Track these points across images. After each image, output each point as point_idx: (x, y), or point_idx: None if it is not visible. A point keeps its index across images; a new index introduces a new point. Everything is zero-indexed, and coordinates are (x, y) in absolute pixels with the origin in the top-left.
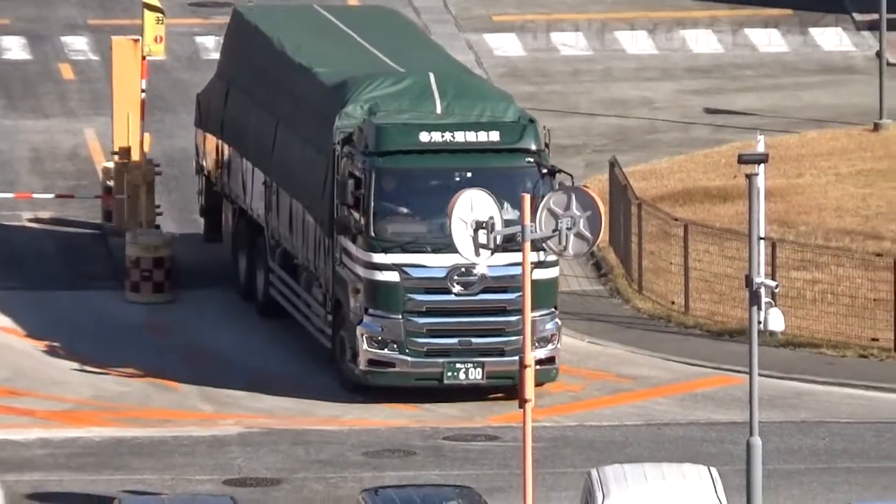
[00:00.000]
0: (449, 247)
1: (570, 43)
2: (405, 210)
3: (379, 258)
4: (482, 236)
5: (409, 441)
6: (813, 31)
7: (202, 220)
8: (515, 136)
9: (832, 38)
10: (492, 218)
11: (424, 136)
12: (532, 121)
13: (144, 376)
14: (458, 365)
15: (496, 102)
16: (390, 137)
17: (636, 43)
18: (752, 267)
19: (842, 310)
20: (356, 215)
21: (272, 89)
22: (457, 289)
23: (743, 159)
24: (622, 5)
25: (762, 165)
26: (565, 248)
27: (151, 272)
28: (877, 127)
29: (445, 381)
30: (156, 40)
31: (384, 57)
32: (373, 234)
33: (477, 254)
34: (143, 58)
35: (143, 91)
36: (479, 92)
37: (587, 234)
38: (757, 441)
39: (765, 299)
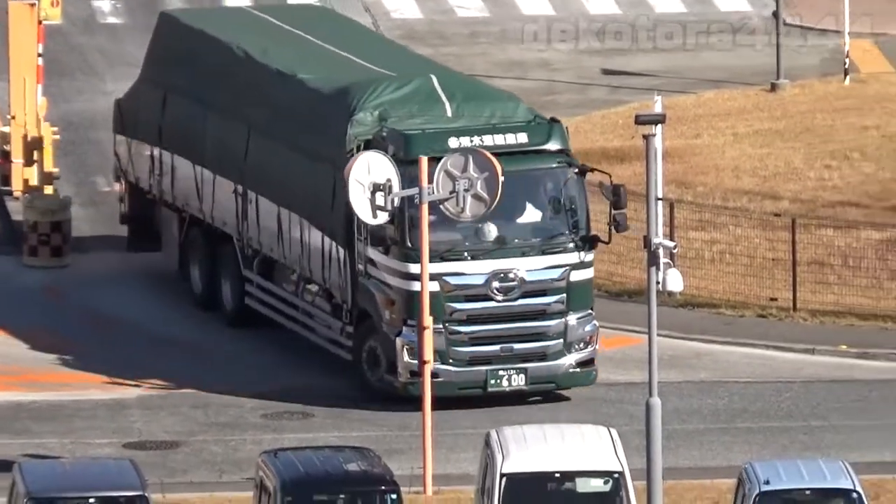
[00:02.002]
0: (488, 253)
1: (467, 5)
2: (445, 217)
3: (417, 268)
4: (379, 198)
5: (308, 403)
6: None
7: (126, 228)
8: (543, 137)
9: (729, 0)
10: (389, 180)
11: (454, 142)
12: (557, 121)
13: (43, 340)
14: (500, 372)
15: (505, 102)
16: (421, 145)
17: (533, 4)
18: (650, 228)
19: (740, 270)
20: (389, 226)
21: (238, 96)
22: (498, 296)
23: (640, 120)
24: None
25: (659, 126)
26: (463, 209)
27: (49, 236)
28: (774, 87)
29: (489, 389)
30: (52, 4)
31: (359, 60)
32: (409, 244)
33: (374, 215)
34: (40, 22)
35: (39, 55)
36: (485, 93)
37: (484, 195)
38: (656, 401)
39: (663, 260)
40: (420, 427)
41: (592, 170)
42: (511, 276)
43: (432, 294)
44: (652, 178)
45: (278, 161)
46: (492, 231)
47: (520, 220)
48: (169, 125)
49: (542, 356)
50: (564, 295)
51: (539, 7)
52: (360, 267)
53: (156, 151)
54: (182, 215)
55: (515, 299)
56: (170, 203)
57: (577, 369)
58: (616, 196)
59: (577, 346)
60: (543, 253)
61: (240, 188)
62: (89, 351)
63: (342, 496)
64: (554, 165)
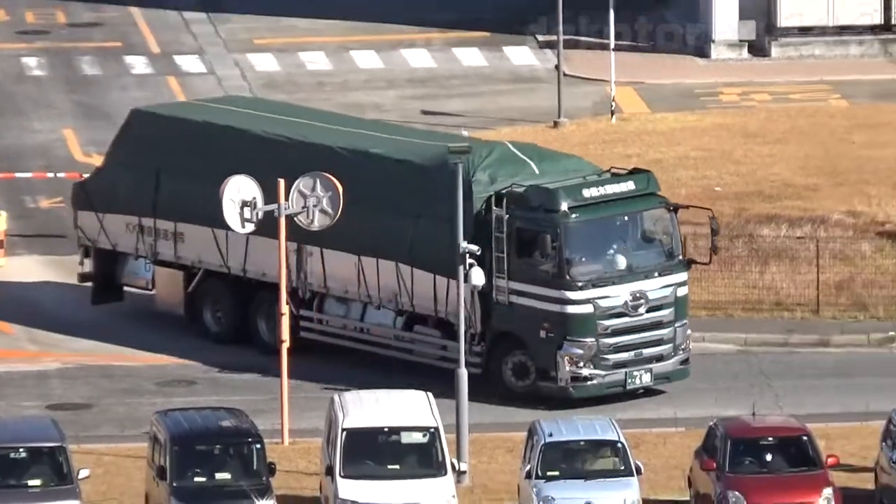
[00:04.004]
0: (622, 279)
1: (315, 60)
2: (592, 252)
3: (576, 295)
4: (247, 212)
5: (192, 374)
6: (506, 49)
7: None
8: (644, 184)
9: (521, 55)
10: (254, 198)
11: (586, 192)
12: (649, 171)
13: None
14: (634, 373)
15: (570, 159)
16: (565, 197)
17: (367, 59)
18: (458, 237)
19: None
20: (542, 261)
21: (286, 173)
22: (632, 312)
23: (452, 150)
24: (356, 30)
25: (466, 155)
26: (312, 221)
27: None
28: (556, 124)
29: (627, 388)
30: None
31: (382, 134)
32: (568, 276)
33: (242, 226)
34: None
35: None
36: (551, 154)
37: (329, 210)
38: (463, 372)
39: (468, 261)
40: (279, 392)
41: (687, 207)
42: (640, 295)
43: (587, 314)
44: (458, 197)
45: (365, 222)
46: (623, 261)
47: (638, 251)
48: (169, 199)
49: (660, 358)
50: (673, 308)
51: (371, 62)
52: (502, 298)
53: (147, 221)
54: (192, 270)
55: (643, 314)
56: (169, 262)
57: (682, 366)
58: (715, 227)
59: (681, 348)
60: (659, 275)
61: (306, 247)
62: (20, 330)
63: (218, 446)
64: (657, 205)
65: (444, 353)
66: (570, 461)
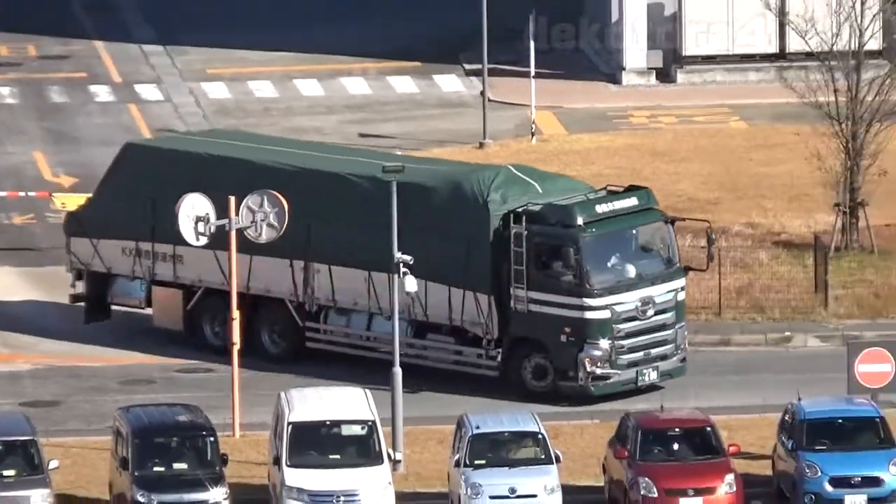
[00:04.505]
0: (633, 286)
1: (262, 88)
2: (606, 263)
3: (595, 302)
4: (201, 226)
5: (151, 374)
6: (435, 77)
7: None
8: (645, 200)
9: (449, 83)
10: (207, 213)
11: (599, 208)
12: (648, 188)
13: None
14: (644, 371)
15: (563, 179)
16: (581, 213)
17: (309, 87)
18: (393, 245)
19: None
20: (562, 273)
21: (295, 197)
22: (643, 316)
23: (386, 169)
24: (299, 61)
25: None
26: (260, 234)
27: None
28: (481, 145)
29: (639, 384)
30: None
31: (365, 159)
32: (588, 285)
33: (196, 239)
34: None
35: None
36: (547, 175)
37: (276, 224)
38: (398, 370)
39: (402, 269)
40: (230, 389)
41: (683, 219)
42: (648, 300)
43: (605, 319)
44: (393, 211)
45: (378, 242)
46: (632, 270)
47: (644, 260)
48: (172, 225)
49: (664, 357)
50: (675, 311)
51: (313, 89)
52: (521, 307)
53: (145, 245)
54: (193, 289)
55: (651, 317)
56: (167, 282)
57: (681, 364)
58: (711, 237)
59: (681, 348)
60: (663, 281)
61: (311, 264)
62: None
63: (175, 439)
64: (658, 218)
65: (459, 357)
66: (495, 451)
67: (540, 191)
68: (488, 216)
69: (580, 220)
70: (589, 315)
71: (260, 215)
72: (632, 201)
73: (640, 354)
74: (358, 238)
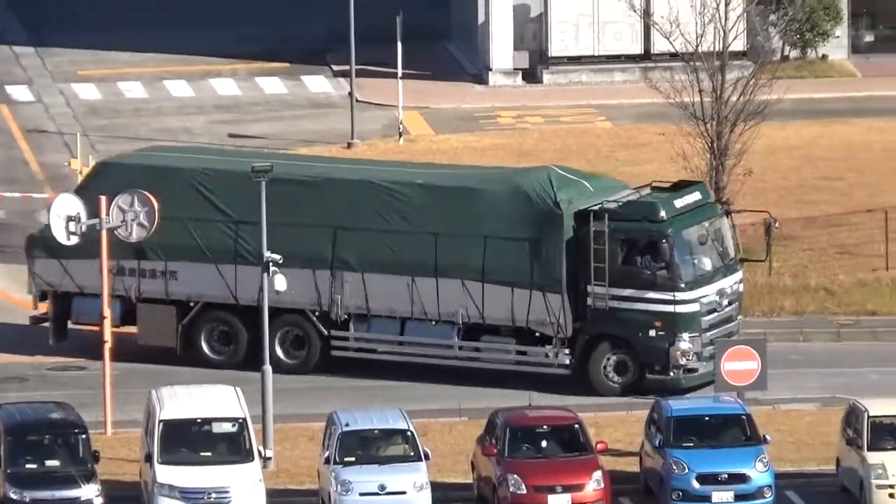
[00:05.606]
0: (711, 278)
1: (133, 89)
2: (690, 257)
3: (686, 295)
4: (72, 226)
5: (24, 372)
6: (304, 77)
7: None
8: (707, 194)
9: (318, 83)
10: (78, 213)
11: (677, 203)
12: (703, 182)
13: None
14: None
15: (605, 178)
16: (664, 208)
17: (179, 88)
18: (262, 246)
19: None
20: (651, 268)
21: (323, 207)
22: (720, 307)
23: (254, 169)
24: (168, 62)
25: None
26: (130, 233)
27: None
28: (349, 145)
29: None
30: None
31: (371, 166)
32: (679, 278)
33: (67, 238)
34: None
35: None
36: (588, 174)
37: (146, 223)
38: (268, 368)
39: (272, 268)
40: (102, 388)
41: (740, 211)
42: (722, 292)
43: (694, 312)
44: (263, 210)
45: (424, 247)
46: (709, 262)
47: (713, 253)
48: (161, 241)
49: None
50: (738, 302)
51: (183, 90)
52: (602, 304)
53: (129, 263)
54: (190, 304)
55: (725, 309)
56: (159, 299)
57: None
58: (773, 226)
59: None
60: (732, 273)
61: (342, 273)
62: None
63: (48, 436)
64: (719, 211)
65: (523, 357)
66: (364, 448)
67: (591, 189)
68: (561, 216)
69: (664, 215)
70: (680, 309)
71: (130, 215)
72: (696, 196)
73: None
74: (403, 244)
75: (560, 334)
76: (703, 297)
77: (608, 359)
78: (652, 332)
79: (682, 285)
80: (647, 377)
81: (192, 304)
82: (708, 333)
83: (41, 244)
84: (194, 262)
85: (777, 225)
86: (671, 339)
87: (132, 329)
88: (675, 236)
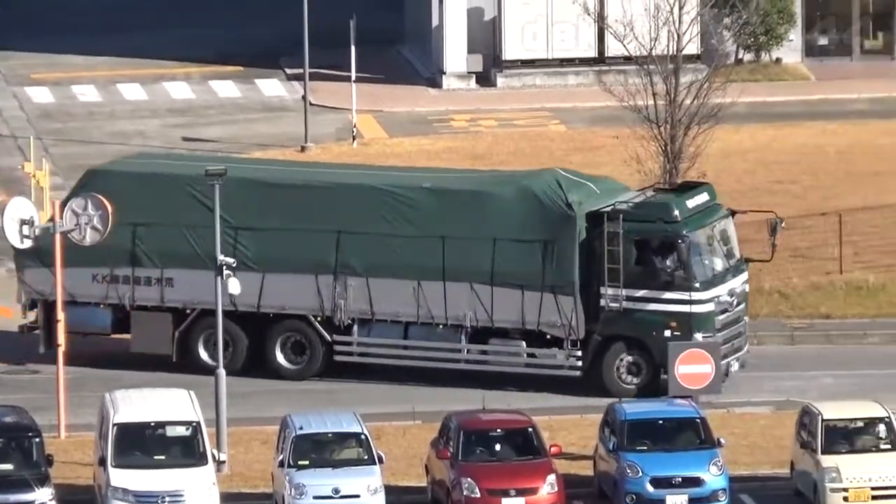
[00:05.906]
0: (723, 277)
1: (86, 93)
2: (703, 257)
3: (702, 295)
4: (25, 229)
5: None
6: (258, 81)
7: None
8: (713, 195)
9: (271, 87)
10: (31, 217)
11: (690, 204)
12: (710, 184)
13: None
14: (731, 362)
15: (607, 179)
16: (678, 208)
17: (132, 92)
18: (217, 249)
19: None
20: (667, 268)
21: (330, 213)
22: (731, 307)
23: (208, 172)
24: (122, 65)
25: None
26: (84, 237)
27: None
28: (303, 149)
29: (730, 374)
30: None
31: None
32: (695, 278)
33: (21, 241)
34: None
35: None
36: (590, 176)
37: (99, 227)
38: (222, 372)
39: (226, 271)
40: (55, 391)
41: (745, 212)
42: (733, 292)
43: (710, 312)
44: (217, 213)
45: (432, 251)
46: (720, 262)
47: (723, 253)
48: (158, 248)
49: (740, 348)
50: (745, 302)
51: (136, 94)
52: (615, 304)
53: (123, 271)
54: (186, 311)
55: (736, 309)
56: (153, 306)
57: (747, 354)
58: (778, 226)
59: (746, 338)
60: (740, 273)
61: (347, 279)
62: None
63: (1, 439)
64: (724, 212)
65: (533, 360)
66: (318, 451)
67: (598, 191)
68: (574, 217)
69: (678, 215)
70: (696, 309)
71: (84, 218)
72: (705, 196)
73: (728, 346)
74: (409, 249)
75: (572, 336)
76: (718, 296)
77: (622, 360)
78: (667, 333)
79: (698, 285)
80: (661, 378)
81: (188, 311)
82: (722, 333)
83: (31, 254)
84: (192, 268)
85: (783, 224)
86: (686, 340)
87: (125, 336)
88: (691, 236)
